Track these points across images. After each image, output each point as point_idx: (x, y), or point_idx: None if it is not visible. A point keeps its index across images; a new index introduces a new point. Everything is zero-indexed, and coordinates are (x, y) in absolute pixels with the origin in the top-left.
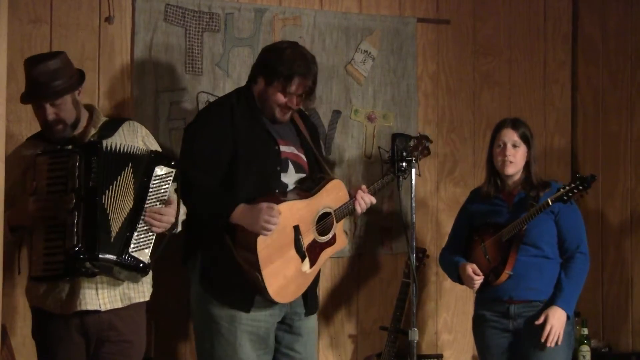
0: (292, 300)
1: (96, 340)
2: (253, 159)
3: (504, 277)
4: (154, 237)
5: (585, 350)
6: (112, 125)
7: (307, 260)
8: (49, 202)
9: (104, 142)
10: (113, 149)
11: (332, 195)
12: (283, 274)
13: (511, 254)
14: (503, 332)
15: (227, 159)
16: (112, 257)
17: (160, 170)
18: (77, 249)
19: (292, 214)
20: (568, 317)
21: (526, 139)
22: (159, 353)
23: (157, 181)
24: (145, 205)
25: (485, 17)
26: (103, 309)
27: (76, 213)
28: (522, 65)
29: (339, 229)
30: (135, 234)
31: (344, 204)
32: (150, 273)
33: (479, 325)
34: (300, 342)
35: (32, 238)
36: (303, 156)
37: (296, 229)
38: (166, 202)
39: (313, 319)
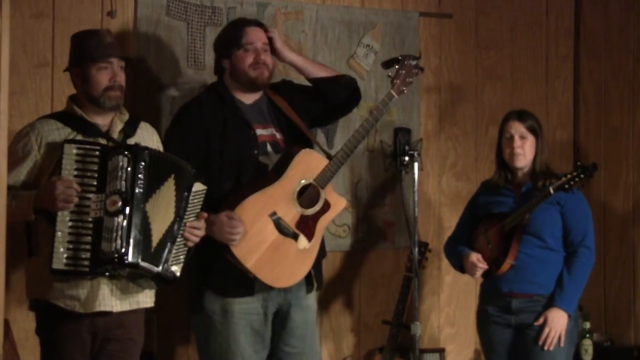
0: (300, 280)
1: (102, 339)
2: (226, 147)
3: (505, 266)
4: (186, 252)
5: (588, 344)
6: (133, 123)
7: (301, 237)
8: (79, 194)
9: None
10: (159, 156)
11: (303, 167)
12: (276, 260)
13: (513, 244)
14: (506, 327)
15: (201, 155)
16: (154, 268)
17: (196, 187)
18: (121, 253)
19: (262, 204)
20: (569, 316)
21: (534, 130)
22: (161, 348)
23: (194, 197)
24: (184, 220)
25: (487, 11)
26: (115, 310)
27: (121, 217)
28: (524, 60)
29: (329, 193)
30: (175, 247)
31: (325, 169)
32: None
33: (482, 321)
34: (297, 335)
35: (50, 226)
36: (280, 135)
37: (273, 215)
38: (198, 216)
39: (310, 311)
